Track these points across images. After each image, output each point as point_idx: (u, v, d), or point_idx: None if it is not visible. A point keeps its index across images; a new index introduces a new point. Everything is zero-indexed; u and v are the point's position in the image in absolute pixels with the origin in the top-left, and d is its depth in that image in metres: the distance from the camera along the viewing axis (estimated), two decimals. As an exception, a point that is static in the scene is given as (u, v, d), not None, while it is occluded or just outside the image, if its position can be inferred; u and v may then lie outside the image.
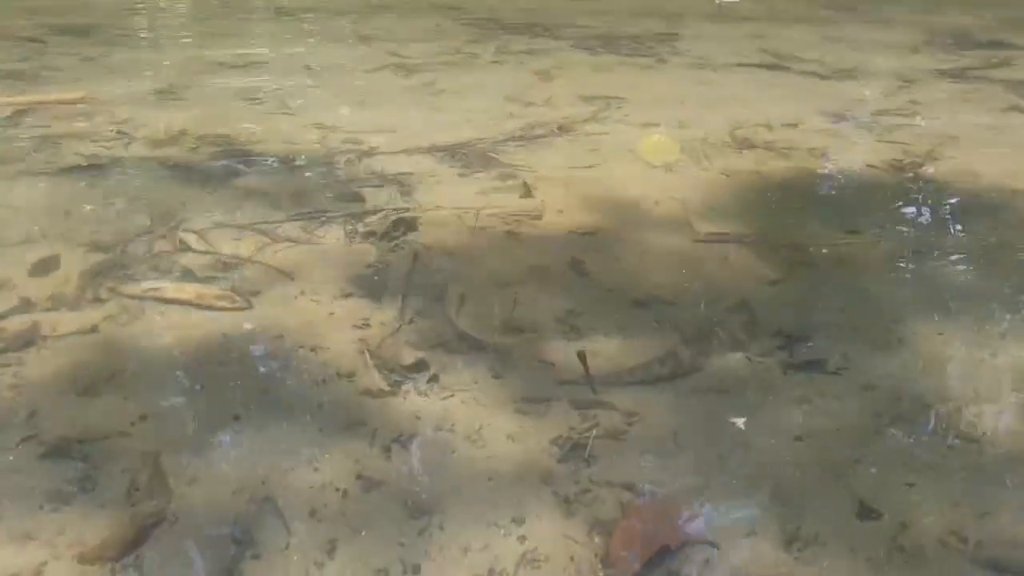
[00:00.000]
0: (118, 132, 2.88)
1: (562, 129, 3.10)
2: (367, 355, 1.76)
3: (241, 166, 2.65)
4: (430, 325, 1.88)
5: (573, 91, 3.60)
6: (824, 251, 2.23)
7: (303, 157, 2.74)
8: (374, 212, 2.38)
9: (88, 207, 2.36)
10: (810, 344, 1.82)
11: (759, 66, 4.20)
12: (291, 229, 2.29)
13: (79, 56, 3.91)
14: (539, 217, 2.39)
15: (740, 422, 1.59)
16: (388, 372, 1.72)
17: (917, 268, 2.17)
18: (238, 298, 1.95)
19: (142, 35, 4.54)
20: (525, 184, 2.57)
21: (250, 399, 1.64)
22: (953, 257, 2.23)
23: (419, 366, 1.74)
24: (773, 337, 1.85)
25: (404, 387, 1.68)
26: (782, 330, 1.87)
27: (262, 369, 1.73)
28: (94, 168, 2.60)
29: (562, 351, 1.80)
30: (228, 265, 2.10)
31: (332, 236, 2.27)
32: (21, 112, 3.04)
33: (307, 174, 2.62)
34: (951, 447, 1.53)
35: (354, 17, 5.19)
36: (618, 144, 2.96)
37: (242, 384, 1.68)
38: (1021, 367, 1.76)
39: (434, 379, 1.71)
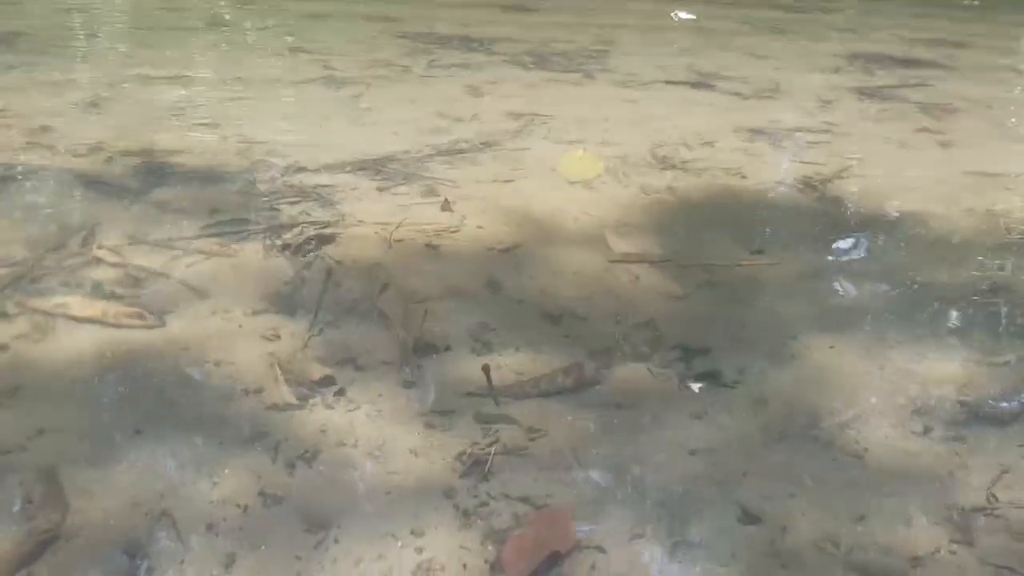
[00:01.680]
0: (30, 144, 2.84)
1: (487, 145, 3.14)
2: (276, 369, 1.78)
3: (158, 179, 2.64)
4: (340, 339, 1.90)
5: (501, 107, 3.65)
6: (729, 270, 2.31)
7: (223, 171, 2.74)
8: (291, 226, 2.40)
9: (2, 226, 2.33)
10: (708, 358, 1.89)
11: (684, 84, 4.30)
12: (206, 244, 2.29)
13: (2, 65, 3.85)
14: (457, 231, 2.43)
15: (638, 436, 1.65)
16: (296, 386, 1.74)
17: (815, 286, 2.26)
18: (149, 315, 1.95)
19: (73, 44, 4.47)
20: (446, 199, 2.61)
21: (153, 414, 1.64)
22: (850, 276, 2.33)
23: (327, 380, 1.76)
24: (674, 350, 1.91)
25: (311, 401, 1.71)
26: (683, 344, 1.93)
27: (168, 384, 1.73)
28: (7, 179, 2.56)
29: (470, 364, 1.84)
30: (141, 280, 2.09)
31: (248, 251, 2.27)
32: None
33: (226, 188, 2.62)
34: (834, 460, 1.60)
35: (290, 28, 5.18)
36: (540, 161, 3.01)
37: (146, 399, 1.69)
38: (905, 382, 1.84)
39: (341, 393, 1.73)
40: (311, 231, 2.38)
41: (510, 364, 1.84)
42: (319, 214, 2.48)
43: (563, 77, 4.33)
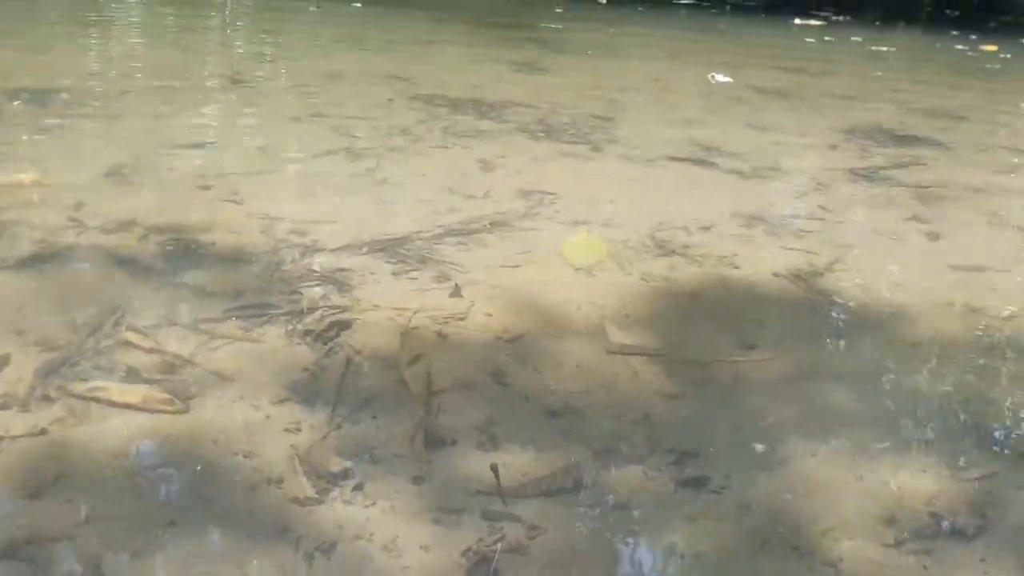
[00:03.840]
0: (70, 219, 3.01)
1: (496, 225, 3.32)
2: (296, 463, 1.92)
3: (186, 260, 2.80)
4: (357, 432, 2.05)
5: (511, 184, 3.83)
6: (722, 366, 2.46)
7: (247, 251, 2.91)
8: (312, 310, 2.55)
9: (41, 301, 2.49)
10: (699, 460, 2.03)
11: (687, 160, 4.49)
12: (231, 328, 2.44)
13: (30, 128, 4.04)
14: (465, 319, 2.59)
15: (632, 539, 1.79)
16: (316, 479, 1.89)
17: (802, 387, 2.41)
18: (178, 401, 2.10)
19: (102, 102, 4.67)
20: (456, 285, 2.77)
21: (186, 504, 1.79)
22: (836, 376, 2.48)
23: (345, 474, 1.91)
24: (668, 452, 2.06)
25: (331, 494, 1.85)
26: (676, 446, 2.08)
27: (199, 474, 1.88)
28: (46, 258, 2.73)
29: (477, 461, 1.98)
30: (170, 365, 2.25)
31: (271, 336, 2.43)
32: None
33: (250, 270, 2.78)
34: (810, 570, 1.74)
35: (307, 89, 5.39)
36: (547, 243, 3.18)
37: (179, 489, 1.83)
38: (884, 492, 1.99)
39: (359, 488, 1.88)
40: (330, 316, 2.54)
41: (515, 462, 1.99)
42: (337, 299, 2.64)
43: (571, 149, 4.52)
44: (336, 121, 4.65)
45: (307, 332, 2.45)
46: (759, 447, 2.10)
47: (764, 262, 3.19)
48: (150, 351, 2.29)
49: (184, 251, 2.88)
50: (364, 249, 3.00)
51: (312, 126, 4.59)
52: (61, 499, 1.78)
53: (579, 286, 2.88)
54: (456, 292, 2.74)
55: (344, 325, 2.50)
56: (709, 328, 2.70)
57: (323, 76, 5.84)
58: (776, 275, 3.09)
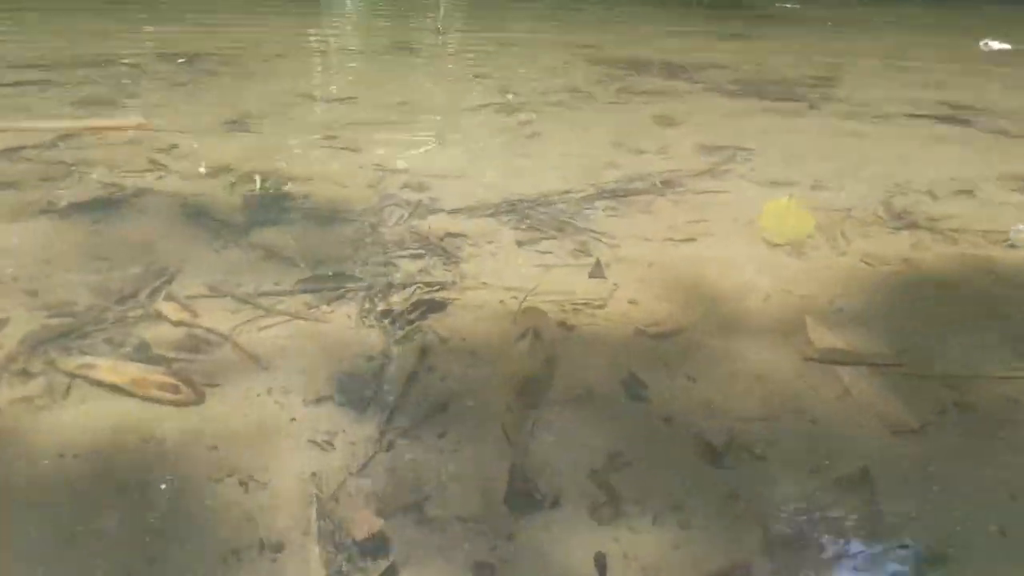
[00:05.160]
0: (154, 162, 2.56)
1: (666, 185, 2.55)
2: (312, 512, 1.29)
3: (269, 215, 2.26)
4: (413, 460, 1.39)
5: (694, 139, 3.04)
6: (989, 386, 1.59)
7: (345, 208, 2.33)
8: (402, 286, 1.92)
9: (75, 255, 2.02)
10: (949, 567, 1.20)
11: (930, 117, 3.49)
12: (295, 303, 1.85)
13: (169, 83, 3.70)
14: (603, 307, 1.86)
15: None
16: (332, 548, 1.23)
17: None
18: (185, 388, 1.53)
19: (250, 65, 4.31)
20: (597, 261, 2.05)
21: (137, 554, 1.20)
22: None
23: (375, 544, 1.24)
24: (895, 546, 1.24)
25: (345, 582, 1.19)
26: (917, 529, 1.25)
27: (171, 504, 1.29)
28: (107, 204, 2.27)
29: (583, 537, 1.26)
30: (197, 343, 1.69)
31: (340, 315, 1.81)
32: (65, 137, 2.79)
33: (342, 232, 2.20)
34: None
35: (479, 54, 4.82)
36: (732, 209, 2.38)
37: (135, 525, 1.25)
38: None
39: (391, 573, 1.20)
40: (423, 293, 1.90)
41: (639, 548, 1.24)
42: (438, 272, 1.99)
43: (777, 107, 3.65)
44: (499, 82, 4.03)
45: (386, 313, 1.82)
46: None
47: (1051, 241, 2.23)
48: (179, 324, 1.75)
49: (271, 205, 2.33)
50: (489, 210, 2.34)
51: (470, 84, 3.99)
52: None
53: (770, 267, 2.06)
54: (597, 270, 2.02)
55: (436, 306, 1.84)
56: (967, 332, 1.81)
57: (499, 43, 5.24)
58: (1071, 260, 2.13)
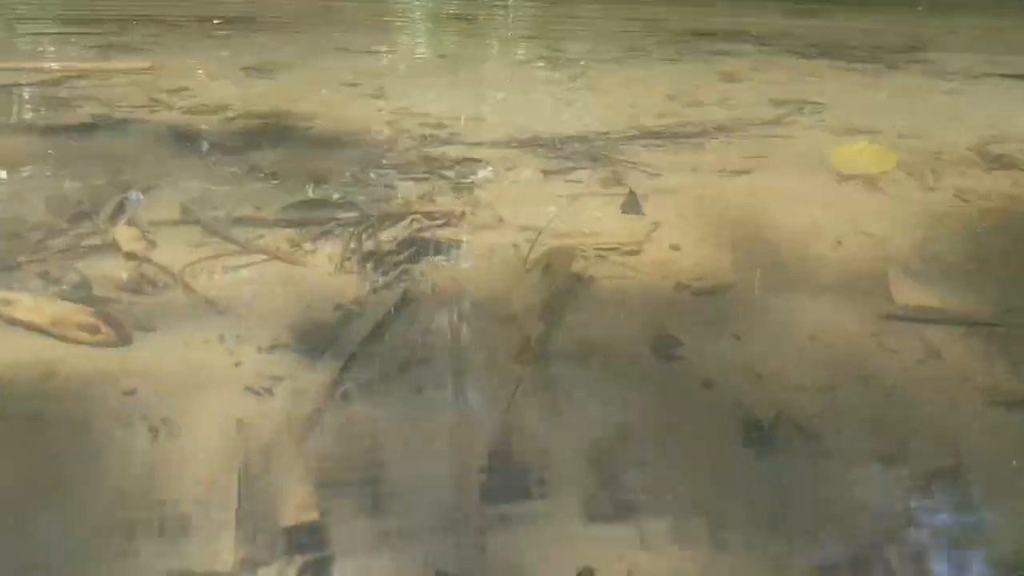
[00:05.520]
0: (154, 100, 2.34)
1: (721, 129, 2.22)
2: (237, 481, 1.00)
3: (268, 141, 2.00)
4: (361, 425, 1.09)
5: (760, 92, 2.70)
6: None
7: (351, 136, 2.06)
8: (398, 217, 1.63)
9: (44, 174, 1.79)
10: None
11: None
12: (276, 239, 1.57)
13: (205, 36, 3.50)
14: (637, 252, 1.53)
15: None
16: (250, 539, 0.94)
17: None
18: (107, 329, 1.27)
19: (292, 24, 4.11)
20: (631, 192, 1.73)
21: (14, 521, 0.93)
22: None
23: (308, 537, 0.94)
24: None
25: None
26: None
27: (65, 462, 1.02)
28: (91, 128, 2.05)
29: (575, 545, 0.94)
30: (145, 284, 1.42)
31: (322, 253, 1.53)
32: (72, 77, 2.58)
33: (343, 155, 1.93)
34: None
35: (533, 20, 4.55)
36: (797, 148, 2.04)
37: (15, 474, 0.99)
38: None
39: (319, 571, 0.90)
40: (421, 228, 1.60)
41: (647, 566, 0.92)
42: (445, 201, 1.70)
43: (855, 66, 3.28)
44: (549, 41, 3.74)
45: (372, 253, 1.53)
46: None
47: None
48: (131, 258, 1.49)
49: (272, 134, 2.08)
50: (513, 144, 2.05)
51: (517, 45, 3.71)
52: None
53: (846, 206, 1.72)
54: (632, 204, 1.70)
55: (430, 247, 1.54)
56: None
57: (558, 17, 4.95)
58: None
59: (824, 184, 1.81)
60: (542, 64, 3.13)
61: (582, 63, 3.13)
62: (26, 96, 2.37)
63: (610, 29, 4.30)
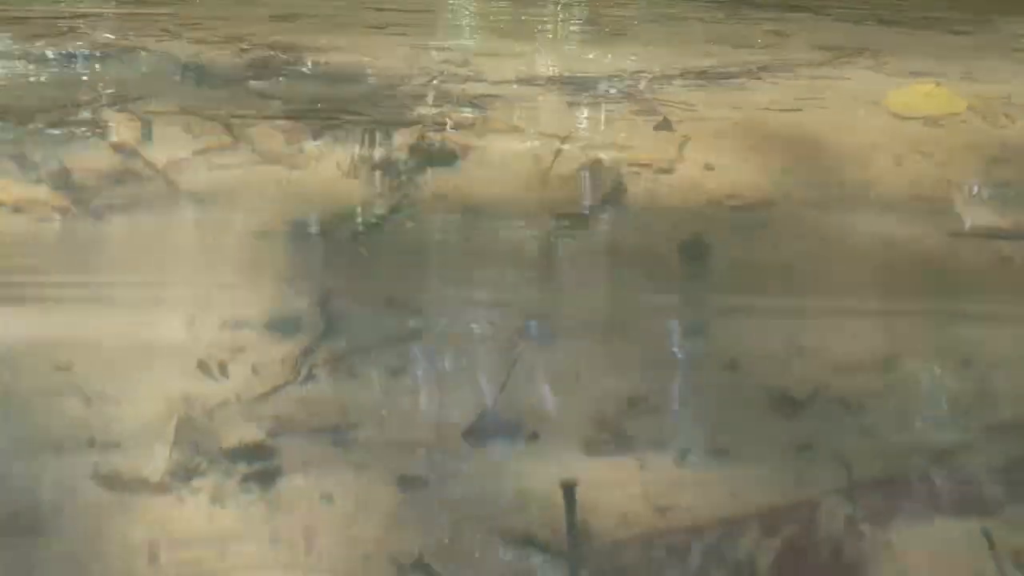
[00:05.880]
0: (165, 31, 2.23)
1: (765, 70, 2.04)
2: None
3: (272, 71, 1.88)
4: (333, 351, 0.95)
5: (812, 41, 2.51)
6: None
7: (365, 70, 1.92)
8: (409, 124, 1.49)
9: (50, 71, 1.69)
10: None
11: None
12: (278, 139, 1.45)
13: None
14: (669, 171, 1.38)
15: None
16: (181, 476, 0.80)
17: None
18: (74, 209, 1.16)
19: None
20: (664, 118, 1.57)
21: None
22: None
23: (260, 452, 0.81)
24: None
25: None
26: None
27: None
28: (89, 53, 1.94)
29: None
30: (126, 175, 1.30)
31: (328, 158, 1.40)
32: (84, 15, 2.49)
33: (353, 88, 1.79)
34: None
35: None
36: (854, 87, 1.86)
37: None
38: None
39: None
40: (433, 137, 1.46)
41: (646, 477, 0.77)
42: (460, 115, 1.56)
43: (913, 32, 3.07)
44: (592, 8, 3.57)
45: (384, 160, 1.40)
46: None
47: None
48: (119, 148, 1.37)
49: (283, 65, 1.96)
50: (540, 81, 1.90)
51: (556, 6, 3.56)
52: None
53: (904, 134, 1.55)
54: (664, 124, 1.55)
55: (443, 156, 1.41)
56: None
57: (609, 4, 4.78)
58: None
59: (880, 120, 1.64)
60: (580, 22, 2.98)
61: (621, 19, 2.97)
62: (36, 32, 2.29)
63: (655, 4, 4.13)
